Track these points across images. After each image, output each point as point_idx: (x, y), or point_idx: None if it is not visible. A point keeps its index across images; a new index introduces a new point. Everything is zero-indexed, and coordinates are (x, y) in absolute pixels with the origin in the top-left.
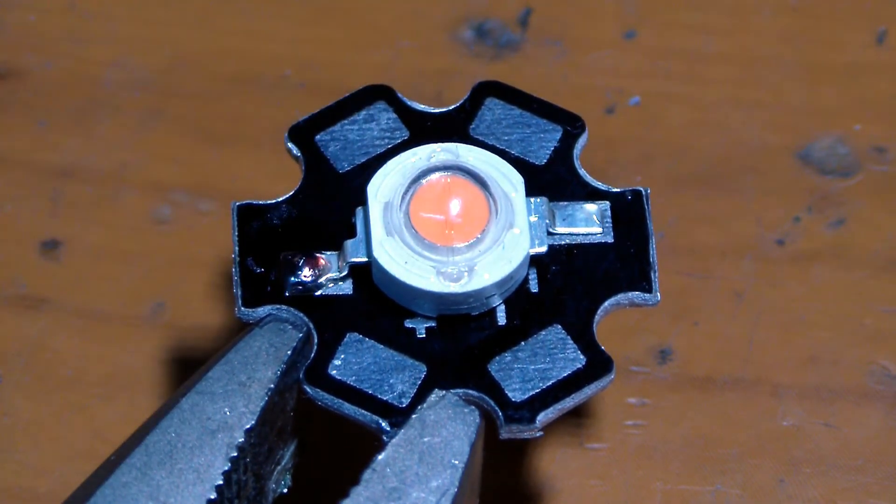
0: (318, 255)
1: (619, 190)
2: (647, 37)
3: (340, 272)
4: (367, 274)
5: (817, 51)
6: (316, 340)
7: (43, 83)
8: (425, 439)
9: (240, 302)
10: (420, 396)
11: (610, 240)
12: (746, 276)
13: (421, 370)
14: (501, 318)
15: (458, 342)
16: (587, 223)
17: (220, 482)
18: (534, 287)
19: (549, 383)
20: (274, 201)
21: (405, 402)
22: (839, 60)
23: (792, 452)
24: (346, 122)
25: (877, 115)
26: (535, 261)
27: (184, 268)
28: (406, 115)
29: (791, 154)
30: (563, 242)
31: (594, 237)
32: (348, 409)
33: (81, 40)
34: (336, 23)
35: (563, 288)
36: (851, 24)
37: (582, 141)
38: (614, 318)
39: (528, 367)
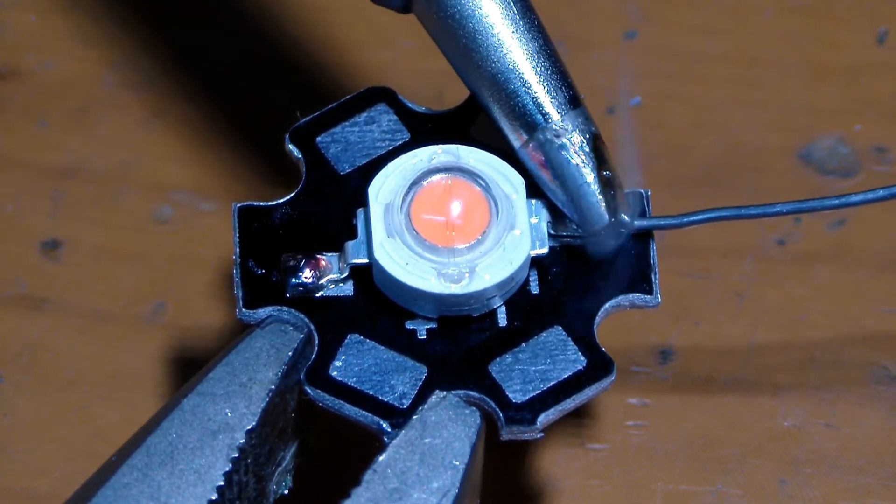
0: (318, 256)
1: None
2: (647, 37)
3: (341, 273)
4: (367, 275)
5: (818, 51)
6: (317, 342)
7: (43, 83)
8: (426, 440)
9: (241, 303)
10: (421, 397)
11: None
12: (747, 276)
13: (422, 371)
14: (502, 320)
15: (458, 343)
16: None
17: (221, 483)
18: (534, 288)
19: (550, 384)
20: (275, 203)
21: (406, 403)
22: (840, 60)
23: (793, 453)
24: (346, 123)
25: (877, 115)
26: (535, 262)
27: (185, 268)
28: (407, 116)
29: (792, 154)
30: (563, 244)
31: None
32: (349, 410)
33: (81, 40)
34: (337, 23)
35: (564, 289)
36: (852, 25)
37: None
38: (615, 318)
39: (528, 369)
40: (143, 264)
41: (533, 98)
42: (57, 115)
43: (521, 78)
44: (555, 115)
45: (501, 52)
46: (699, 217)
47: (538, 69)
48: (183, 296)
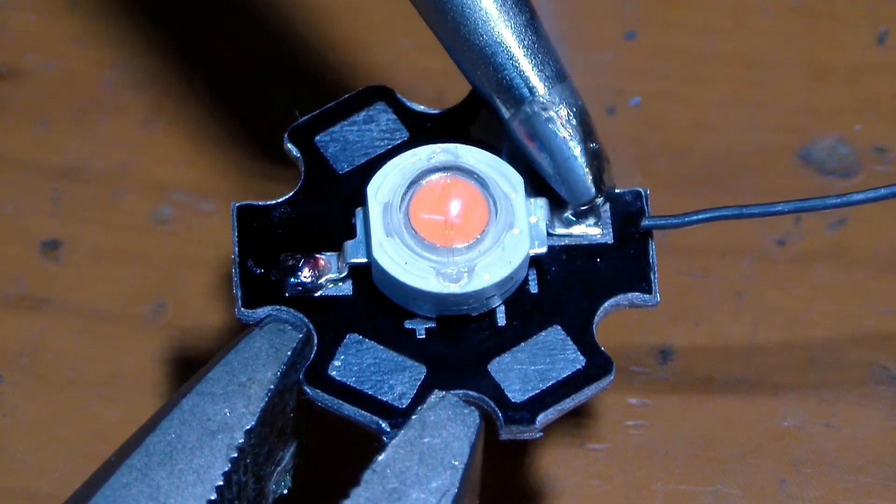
0: (317, 255)
1: (619, 191)
2: (647, 37)
3: (340, 273)
4: (366, 275)
5: (818, 51)
6: (316, 341)
7: (43, 83)
8: (425, 440)
9: (240, 303)
10: (420, 397)
11: (610, 241)
12: (747, 276)
13: (421, 371)
14: (501, 319)
15: (457, 343)
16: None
17: (220, 483)
18: (534, 288)
19: (549, 384)
20: (273, 202)
21: (405, 402)
22: (840, 61)
23: (793, 453)
24: (345, 122)
25: (878, 115)
26: (534, 261)
27: (184, 268)
28: (406, 115)
29: (792, 154)
30: (562, 243)
31: (594, 238)
32: (348, 409)
33: (81, 40)
34: (336, 23)
35: (563, 289)
36: (852, 25)
37: None
38: (615, 317)
39: (527, 368)
40: (143, 264)
41: (520, 72)
42: (57, 115)
43: (508, 52)
44: (541, 89)
45: (489, 25)
46: (701, 216)
47: (525, 43)
48: (183, 296)
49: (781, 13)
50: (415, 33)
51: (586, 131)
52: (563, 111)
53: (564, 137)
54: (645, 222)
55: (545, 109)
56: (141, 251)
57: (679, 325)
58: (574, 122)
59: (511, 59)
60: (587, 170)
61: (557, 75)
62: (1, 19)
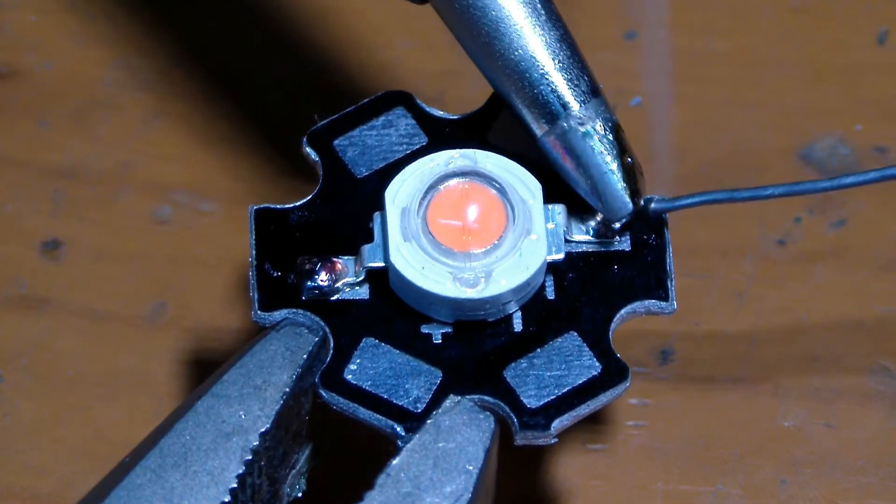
0: (335, 259)
1: None
2: (647, 37)
3: (357, 277)
4: (383, 279)
5: (818, 51)
6: (332, 345)
7: (43, 83)
8: (440, 445)
9: (256, 305)
10: (435, 402)
11: (627, 248)
12: (747, 276)
13: (436, 376)
14: (518, 325)
15: (473, 348)
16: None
17: (235, 485)
18: (550, 294)
19: (565, 390)
20: (291, 205)
21: (420, 407)
22: (840, 60)
23: (793, 452)
24: (364, 127)
25: (878, 115)
26: (552, 268)
27: (185, 268)
28: (424, 120)
29: (792, 154)
30: (580, 250)
31: (611, 245)
32: (363, 413)
33: (81, 40)
34: (336, 23)
35: (580, 295)
36: (852, 24)
37: None
38: None
39: (543, 374)
40: (143, 264)
41: (555, 87)
42: (57, 115)
43: (544, 67)
44: (576, 104)
45: (523, 41)
46: (691, 200)
47: (560, 58)
48: (183, 296)
49: (781, 13)
50: (415, 34)
51: (622, 146)
52: (599, 126)
53: (601, 152)
54: (654, 206)
55: (581, 124)
56: (141, 251)
57: (679, 325)
58: (610, 136)
59: (546, 74)
60: (624, 184)
61: (592, 90)
62: (1, 19)
